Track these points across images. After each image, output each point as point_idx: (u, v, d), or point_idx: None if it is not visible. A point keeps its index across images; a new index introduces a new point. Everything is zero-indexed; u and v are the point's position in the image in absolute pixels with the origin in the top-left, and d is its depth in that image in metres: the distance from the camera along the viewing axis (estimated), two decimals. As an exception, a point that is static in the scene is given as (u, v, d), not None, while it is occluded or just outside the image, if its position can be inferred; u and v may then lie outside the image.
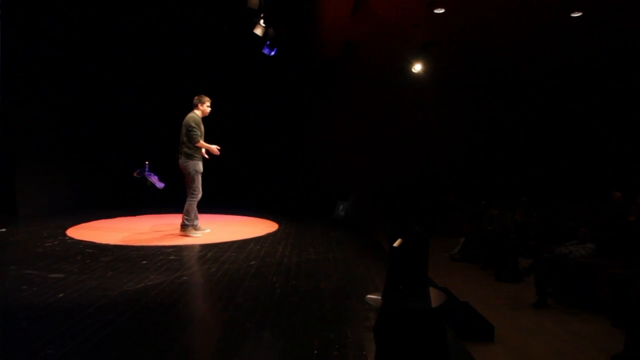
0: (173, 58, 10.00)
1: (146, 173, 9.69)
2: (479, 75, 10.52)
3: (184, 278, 3.55)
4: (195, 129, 5.25)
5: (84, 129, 9.04)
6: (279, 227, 6.42)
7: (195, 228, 5.52)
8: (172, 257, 4.29)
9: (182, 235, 5.36)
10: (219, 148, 5.50)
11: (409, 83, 10.09)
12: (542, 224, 7.66)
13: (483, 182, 10.80)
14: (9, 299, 2.91)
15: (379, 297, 3.15)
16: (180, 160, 5.34)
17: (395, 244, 3.02)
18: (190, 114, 5.39)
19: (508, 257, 6.47)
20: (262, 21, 7.41)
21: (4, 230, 5.78)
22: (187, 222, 5.39)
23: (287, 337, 2.42)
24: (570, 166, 10.82)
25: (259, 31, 7.54)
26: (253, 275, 3.70)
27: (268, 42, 8.26)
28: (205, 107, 5.49)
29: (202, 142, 5.32)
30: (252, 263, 4.11)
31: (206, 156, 5.56)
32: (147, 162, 9.80)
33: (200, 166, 5.40)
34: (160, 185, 9.85)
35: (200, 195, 5.45)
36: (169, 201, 9.09)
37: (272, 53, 8.57)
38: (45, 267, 3.80)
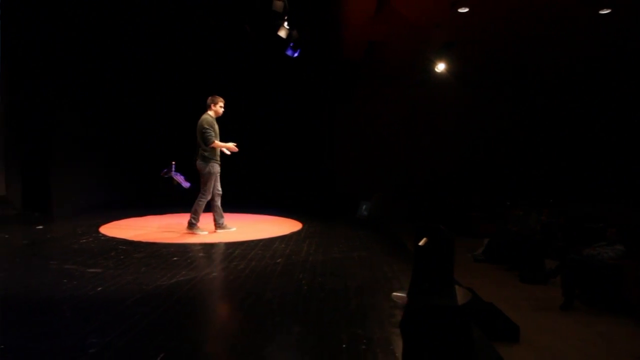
0: (199, 61, 10.23)
1: (172, 173, 9.92)
2: (502, 73, 10.40)
3: (214, 274, 3.68)
4: (208, 130, 5.34)
5: (113, 131, 9.35)
6: (303, 226, 6.51)
7: (222, 226, 5.66)
8: (201, 254, 4.44)
9: (188, 234, 5.48)
10: (235, 144, 5.55)
11: (432, 83, 10.06)
12: (569, 225, 7.54)
13: (507, 183, 10.67)
14: (52, 292, 3.08)
15: (405, 295, 3.21)
16: (197, 162, 5.49)
17: (421, 243, 3.07)
18: (204, 116, 5.47)
19: (533, 258, 6.40)
20: (285, 23, 7.53)
21: (40, 227, 6.06)
22: (193, 221, 5.52)
23: (316, 332, 2.50)
24: (597, 166, 10.58)
25: (282, 33, 7.66)
26: (280, 272, 3.79)
27: (291, 44, 8.38)
28: (218, 107, 5.54)
29: (216, 142, 5.40)
30: (278, 261, 4.21)
31: (228, 153, 5.60)
32: (173, 162, 10.04)
33: (216, 168, 5.49)
34: (186, 184, 10.07)
35: (209, 196, 5.53)
36: (193, 200, 9.28)
37: (296, 55, 8.68)
38: (82, 262, 3.98)
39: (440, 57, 9.04)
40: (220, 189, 5.64)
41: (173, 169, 10.16)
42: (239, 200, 9.60)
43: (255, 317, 2.72)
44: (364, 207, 7.20)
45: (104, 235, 5.41)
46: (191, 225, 5.54)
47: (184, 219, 7.25)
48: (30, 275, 3.54)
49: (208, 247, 4.80)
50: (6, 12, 7.07)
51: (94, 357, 2.08)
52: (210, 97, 5.58)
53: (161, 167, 10.21)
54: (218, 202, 5.63)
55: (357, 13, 7.68)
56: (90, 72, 8.43)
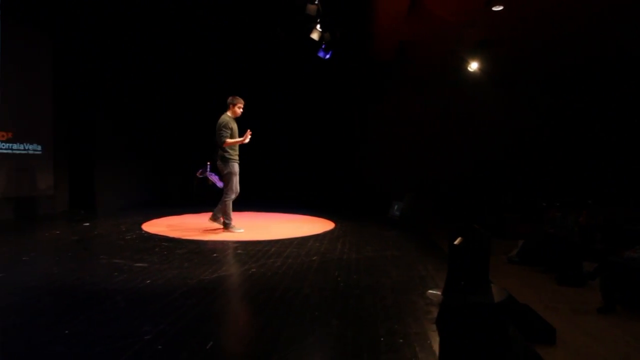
0: (233, 64, 10.50)
1: (207, 173, 10.23)
2: (537, 71, 10.18)
3: (253, 270, 3.82)
4: (223, 131, 5.51)
5: (151, 134, 9.73)
6: (336, 225, 6.61)
7: (217, 220, 5.84)
8: (239, 251, 4.61)
9: (226, 232, 5.71)
10: (250, 133, 5.60)
11: (464, 82, 9.96)
12: (608, 226, 7.33)
13: (543, 183, 10.43)
14: (105, 284, 3.30)
15: (439, 293, 3.26)
16: (217, 163, 5.70)
17: (456, 242, 3.12)
18: (222, 116, 5.65)
19: (571, 260, 6.27)
20: (318, 26, 7.66)
21: (87, 224, 6.41)
22: (227, 221, 5.75)
23: (354, 325, 2.59)
24: (638, 167, 10.20)
25: (315, 36, 7.80)
26: (316, 269, 3.91)
27: (323, 46, 8.51)
28: (236, 108, 5.70)
29: (228, 140, 5.54)
30: (313, 258, 4.33)
31: (246, 141, 5.63)
32: (208, 163, 10.35)
33: (235, 168, 5.65)
34: (220, 184, 10.35)
35: (234, 195, 5.70)
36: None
37: (327, 56, 8.81)
38: (129, 257, 4.22)
39: (473, 56, 8.96)
40: (238, 189, 5.79)
41: (208, 169, 10.47)
42: (272, 199, 9.81)
43: (295, 310, 2.83)
44: (395, 207, 7.23)
45: (146, 233, 5.68)
46: (227, 226, 5.76)
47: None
48: (83, 269, 3.79)
49: (245, 245, 4.96)
50: (58, 30, 7.52)
51: (150, 343, 2.25)
52: (230, 97, 5.75)
53: (197, 167, 10.55)
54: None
55: (389, 13, 7.71)
56: (128, 78, 8.82)
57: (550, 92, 10.81)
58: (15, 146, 6.88)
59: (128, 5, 7.75)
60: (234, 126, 5.68)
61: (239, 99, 5.74)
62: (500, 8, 7.18)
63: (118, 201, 8.52)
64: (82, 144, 8.04)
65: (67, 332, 2.38)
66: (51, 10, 7.29)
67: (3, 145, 6.68)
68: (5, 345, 2.24)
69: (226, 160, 5.58)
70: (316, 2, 6.82)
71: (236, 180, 5.68)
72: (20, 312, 2.74)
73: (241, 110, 5.76)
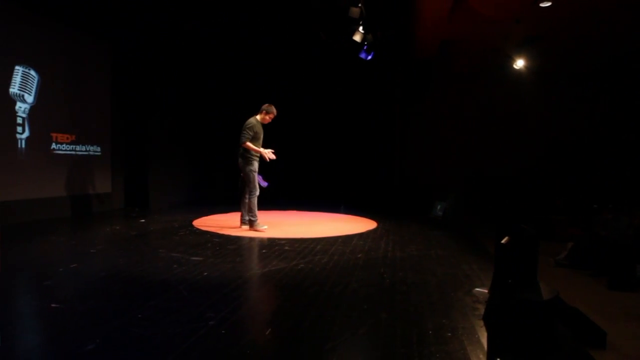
0: (276, 66, 10.78)
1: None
2: (586, 68, 9.82)
3: (301, 266, 3.99)
4: (245, 132, 5.68)
5: (198, 136, 10.16)
6: (378, 224, 6.70)
7: (245, 223, 5.98)
8: (286, 248, 4.79)
9: (252, 230, 5.82)
10: (272, 151, 5.77)
11: (509, 79, 9.76)
12: (665, 229, 6.99)
13: (594, 184, 10.04)
14: (167, 275, 3.57)
15: (486, 291, 3.30)
16: (238, 160, 5.86)
17: (503, 241, 3.15)
18: (250, 118, 5.81)
19: (624, 264, 6.05)
20: (361, 28, 7.76)
21: (143, 221, 6.82)
22: (253, 219, 5.87)
23: (403, 319, 2.69)
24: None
25: (357, 38, 7.91)
26: (362, 266, 4.03)
27: (365, 47, 8.60)
28: (267, 116, 5.87)
29: (248, 143, 5.67)
30: (359, 256, 4.45)
31: (265, 156, 5.75)
32: (252, 163, 10.69)
33: (255, 165, 5.80)
34: (264, 184, 10.65)
35: (258, 192, 5.88)
36: (272, 199, 9.82)
37: (369, 57, 8.89)
38: (185, 251, 4.50)
39: (519, 53, 8.77)
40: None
41: (252, 169, 10.80)
42: (314, 199, 9.99)
43: (345, 303, 2.97)
44: (438, 206, 7.22)
45: (198, 229, 5.99)
46: (252, 223, 5.89)
47: (263, 216, 7.75)
48: (146, 261, 4.08)
49: (291, 242, 5.15)
50: (117, 38, 8.03)
51: (214, 328, 2.45)
52: (266, 105, 5.93)
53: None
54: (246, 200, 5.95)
55: (432, 13, 7.70)
56: (177, 84, 9.27)
57: (600, 89, 10.39)
58: (78, 147, 7.41)
59: (179, 15, 8.16)
60: (259, 130, 5.83)
61: (273, 109, 5.92)
62: (548, 4, 7.02)
63: (169, 199, 8.97)
64: (137, 145, 8.53)
65: (139, 316, 2.63)
66: (110, 19, 7.80)
67: (67, 147, 7.21)
68: (87, 327, 2.51)
69: (246, 159, 5.76)
70: (359, 5, 6.92)
71: (254, 177, 5.87)
72: (96, 298, 3.03)
73: (271, 119, 5.93)
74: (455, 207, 7.07)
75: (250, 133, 5.69)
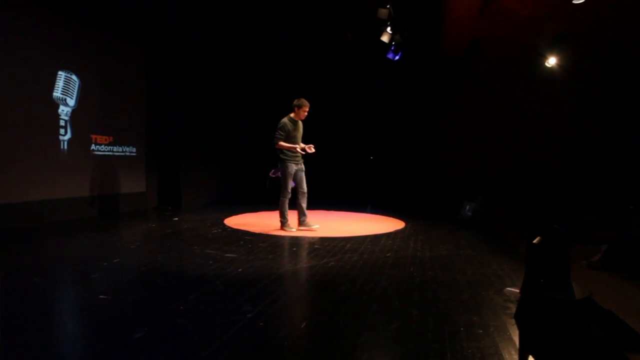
0: (304, 67, 10.91)
1: (279, 173, 10.75)
2: (622, 65, 9.52)
3: (332, 263, 4.08)
4: (277, 133, 5.67)
5: (227, 137, 10.40)
6: (406, 224, 6.72)
7: (303, 224, 5.92)
8: (316, 246, 4.89)
9: (282, 230, 5.84)
10: (309, 146, 5.73)
11: (540, 78, 9.58)
12: None
13: (630, 184, 9.73)
14: (203, 270, 3.72)
15: (517, 291, 3.30)
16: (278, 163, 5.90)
17: (535, 241, 3.15)
18: (283, 118, 5.77)
19: (661, 266, 5.87)
20: (389, 28, 7.79)
21: (176, 219, 7.05)
22: (282, 220, 5.89)
23: (434, 316, 2.75)
24: None
25: (385, 38, 7.95)
26: (391, 265, 4.08)
27: (392, 47, 8.62)
28: (301, 111, 5.76)
29: (281, 143, 5.68)
30: (388, 255, 4.51)
31: (304, 151, 5.76)
32: (280, 163, 10.87)
33: (291, 167, 5.76)
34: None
35: (289, 195, 5.82)
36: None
37: (397, 57, 8.91)
38: (219, 248, 4.66)
39: (551, 51, 8.62)
40: (305, 188, 5.91)
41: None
42: (342, 198, 10.07)
43: (376, 300, 3.04)
44: (467, 207, 7.18)
45: (229, 227, 6.16)
46: (283, 224, 5.92)
47: (294, 215, 7.86)
48: (182, 257, 4.26)
49: (321, 241, 5.25)
50: (150, 44, 8.33)
51: (252, 320, 2.57)
52: (296, 100, 5.81)
53: (269, 167, 11.08)
54: (301, 201, 5.91)
55: (461, 12, 7.67)
56: (207, 86, 9.51)
57: (635, 87, 10.06)
58: (115, 148, 7.73)
59: (209, 19, 8.39)
60: (292, 128, 5.76)
61: (305, 101, 5.79)
62: (581, 0, 6.89)
63: (200, 199, 9.23)
64: (170, 146, 8.82)
65: (182, 308, 2.77)
66: (144, 26, 8.09)
67: (105, 148, 7.53)
68: (133, 316, 2.67)
69: (281, 161, 5.77)
70: (388, 6, 6.97)
71: (301, 180, 5.83)
72: (140, 290, 3.21)
73: (306, 113, 5.82)
74: (485, 207, 7.01)
75: (282, 133, 5.69)
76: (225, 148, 10.34)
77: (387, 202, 9.62)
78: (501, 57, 9.64)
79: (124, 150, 7.94)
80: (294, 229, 5.88)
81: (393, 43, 8.34)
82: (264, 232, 5.74)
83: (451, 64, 10.32)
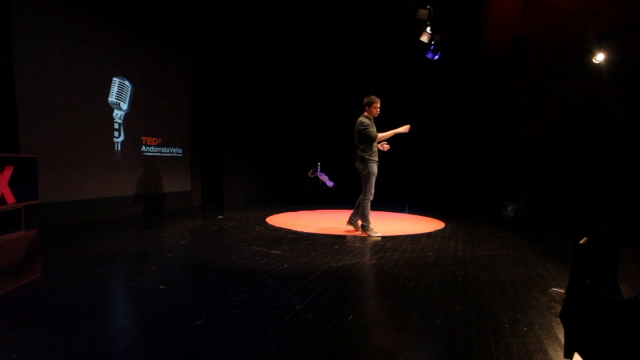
0: (343, 69, 11.03)
1: (318, 173, 10.94)
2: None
3: (374, 261, 4.19)
4: (366, 128, 5.47)
5: (268, 139, 10.66)
6: (446, 225, 6.71)
7: (353, 224, 5.82)
8: (357, 245, 5.01)
9: (364, 234, 5.65)
10: (408, 126, 5.63)
11: (587, 75, 9.27)
12: None
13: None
14: (251, 266, 3.91)
15: (563, 291, 3.29)
16: (356, 163, 5.70)
17: (581, 241, 3.14)
18: (360, 118, 5.61)
19: None
20: (428, 28, 7.79)
21: (220, 217, 7.34)
22: (365, 224, 5.66)
23: (477, 312, 2.80)
24: None
25: (425, 38, 7.95)
26: (433, 263, 4.14)
27: (432, 47, 8.60)
28: (373, 108, 5.61)
29: (380, 134, 5.55)
30: (429, 254, 4.56)
31: (405, 131, 5.69)
32: (319, 163, 11.06)
33: (374, 168, 5.59)
34: (330, 183, 11.00)
35: (372, 197, 5.63)
36: (337, 198, 10.10)
37: (436, 57, 8.88)
38: (264, 245, 4.85)
39: (599, 47, 8.34)
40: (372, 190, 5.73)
41: (319, 169, 11.17)
42: (380, 198, 10.12)
43: (419, 296, 3.12)
44: (509, 208, 7.08)
45: (272, 225, 6.37)
46: (364, 228, 5.69)
47: (331, 214, 8.02)
48: (231, 253, 4.48)
49: (362, 239, 5.35)
50: (195, 50, 8.70)
51: (302, 312, 2.71)
52: (366, 98, 5.66)
53: (308, 167, 11.29)
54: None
55: (504, 10, 7.57)
56: (249, 90, 9.80)
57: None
58: (163, 149, 8.13)
59: (251, 26, 8.67)
60: (374, 127, 5.62)
61: (375, 97, 5.64)
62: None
63: (241, 198, 9.54)
64: (213, 147, 9.17)
65: (235, 299, 2.96)
66: (190, 32, 8.46)
67: (155, 149, 7.93)
68: (192, 305, 2.88)
69: (365, 161, 5.54)
70: (428, 7, 6.98)
71: (373, 181, 5.63)
72: (195, 282, 3.43)
73: (378, 110, 5.67)
74: (528, 208, 6.90)
75: (370, 128, 5.50)
76: (264, 149, 10.63)
77: (426, 203, 9.59)
78: (545, 54, 9.41)
79: (171, 151, 8.33)
80: (379, 234, 5.63)
81: (432, 43, 8.33)
82: (306, 231, 5.89)
83: (493, 62, 10.16)
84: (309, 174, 10.83)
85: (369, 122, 5.58)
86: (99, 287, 3.23)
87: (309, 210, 8.59)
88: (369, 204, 5.68)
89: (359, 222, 5.80)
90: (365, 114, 5.67)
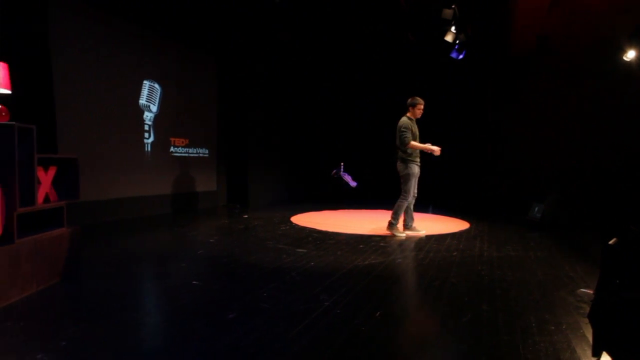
0: (366, 68, 11.07)
1: (341, 173, 11.01)
2: None
3: (399, 260, 4.23)
4: (405, 132, 5.46)
5: (292, 140, 10.79)
6: (471, 225, 6.68)
7: (409, 229, 5.76)
8: (382, 244, 5.05)
9: (388, 233, 5.68)
10: (439, 150, 5.56)
11: (616, 73, 9.05)
12: None
13: None
14: (279, 263, 4.01)
15: (591, 292, 3.27)
16: (397, 164, 5.65)
17: (611, 242, 3.11)
18: (402, 118, 5.59)
19: None
20: (453, 28, 7.76)
21: (246, 216, 7.49)
22: (393, 222, 5.63)
23: (505, 311, 2.82)
24: None
25: (449, 38, 7.93)
26: (458, 263, 4.15)
27: (456, 47, 8.56)
28: (416, 110, 5.60)
29: (413, 142, 5.48)
30: (454, 254, 4.57)
31: (435, 152, 5.59)
32: (342, 163, 11.13)
33: (415, 169, 5.55)
34: (353, 184, 11.06)
35: (410, 198, 5.60)
36: (360, 198, 10.15)
37: (461, 57, 8.83)
38: (290, 244, 4.95)
39: (630, 45, 8.14)
40: (415, 192, 5.69)
41: (342, 169, 11.25)
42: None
43: (446, 295, 3.16)
44: (536, 208, 6.99)
45: (297, 225, 6.47)
46: (391, 226, 5.66)
47: (355, 214, 8.07)
48: (258, 251, 4.59)
49: (387, 239, 5.39)
50: (221, 54, 8.90)
51: (330, 308, 2.79)
52: (410, 99, 5.65)
53: (332, 168, 11.37)
54: (411, 204, 5.74)
55: (529, 9, 7.47)
56: (273, 92, 9.95)
57: None
58: (190, 150, 8.34)
59: (275, 28, 8.81)
60: (415, 129, 5.61)
61: (419, 99, 5.63)
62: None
63: (266, 197, 9.68)
64: (238, 148, 9.35)
65: (265, 294, 3.06)
66: (215, 35, 8.65)
67: (182, 150, 8.15)
68: (224, 300, 2.99)
69: (405, 162, 5.54)
70: (453, 7, 6.96)
71: (414, 182, 5.60)
72: (226, 278, 3.56)
73: (421, 111, 5.66)
74: (555, 208, 6.80)
75: (408, 132, 5.48)
76: (288, 149, 10.76)
77: (450, 203, 9.54)
78: (573, 52, 9.24)
79: (198, 152, 8.54)
80: (403, 235, 5.61)
81: (457, 42, 8.29)
82: (331, 230, 5.97)
83: (519, 61, 10.03)
84: (332, 174, 10.91)
85: (409, 124, 5.55)
86: (135, 283, 3.39)
87: (333, 210, 8.66)
88: (405, 204, 5.63)
89: (412, 224, 5.77)
90: (408, 114, 5.65)
